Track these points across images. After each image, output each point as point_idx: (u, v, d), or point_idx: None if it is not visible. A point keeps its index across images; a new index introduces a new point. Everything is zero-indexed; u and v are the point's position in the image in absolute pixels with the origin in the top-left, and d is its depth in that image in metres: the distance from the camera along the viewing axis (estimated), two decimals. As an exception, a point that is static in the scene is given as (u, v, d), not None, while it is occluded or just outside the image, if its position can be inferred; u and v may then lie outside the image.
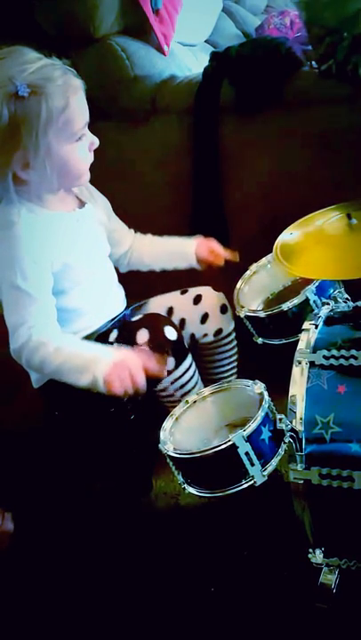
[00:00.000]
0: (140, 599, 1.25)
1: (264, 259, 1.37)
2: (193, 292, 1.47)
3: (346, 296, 1.23)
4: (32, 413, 1.53)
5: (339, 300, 1.21)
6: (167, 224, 1.56)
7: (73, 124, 1.17)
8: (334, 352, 1.04)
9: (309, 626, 1.11)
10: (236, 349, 1.50)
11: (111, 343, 1.29)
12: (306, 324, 1.11)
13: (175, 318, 1.44)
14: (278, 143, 1.69)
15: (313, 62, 1.67)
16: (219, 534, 1.33)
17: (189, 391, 1.33)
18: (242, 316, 1.27)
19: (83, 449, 1.48)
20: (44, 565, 1.37)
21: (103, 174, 1.32)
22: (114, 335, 1.32)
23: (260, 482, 0.99)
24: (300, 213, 1.24)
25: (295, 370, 1.06)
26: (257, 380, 1.06)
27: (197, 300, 1.45)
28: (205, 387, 1.24)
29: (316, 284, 1.20)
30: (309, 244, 1.13)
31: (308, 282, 1.21)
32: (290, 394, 1.05)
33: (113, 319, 1.41)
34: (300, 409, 1.03)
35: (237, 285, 1.35)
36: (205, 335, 1.45)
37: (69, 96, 1.14)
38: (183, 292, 1.48)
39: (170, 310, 1.46)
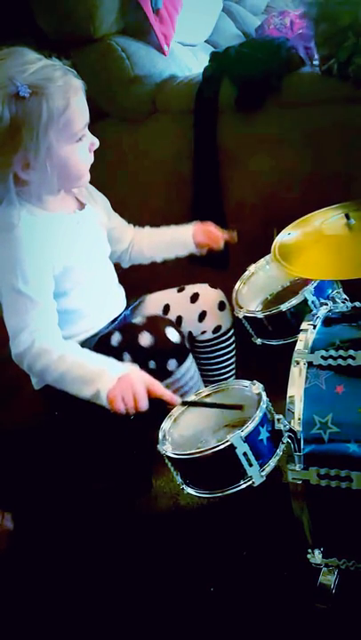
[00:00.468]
0: (139, 599, 1.25)
1: (263, 259, 1.37)
2: (190, 289, 1.47)
3: (344, 296, 1.23)
4: (32, 414, 1.53)
5: (337, 300, 1.21)
6: (167, 224, 1.56)
7: (73, 124, 1.16)
8: (332, 352, 1.04)
9: (309, 626, 1.11)
10: (234, 346, 1.50)
11: (114, 347, 1.28)
12: (304, 325, 1.11)
13: (171, 316, 1.45)
14: (278, 143, 1.69)
15: (315, 60, 1.67)
16: (218, 534, 1.33)
17: (189, 392, 1.33)
18: (240, 316, 1.27)
19: (82, 449, 1.48)
20: (44, 565, 1.37)
21: (103, 174, 1.32)
22: (116, 338, 1.31)
23: (258, 482, 0.99)
24: (300, 214, 1.24)
25: (293, 370, 1.06)
26: (255, 381, 1.06)
27: (195, 298, 1.45)
28: (205, 385, 1.24)
29: (315, 284, 1.20)
30: (308, 245, 1.13)
31: (306, 282, 1.21)
32: (288, 394, 1.05)
33: (114, 320, 1.41)
34: (299, 409, 1.03)
35: (236, 286, 1.35)
36: (204, 332, 1.45)
37: (70, 97, 1.14)
38: (180, 290, 1.48)
39: (166, 308, 1.47)
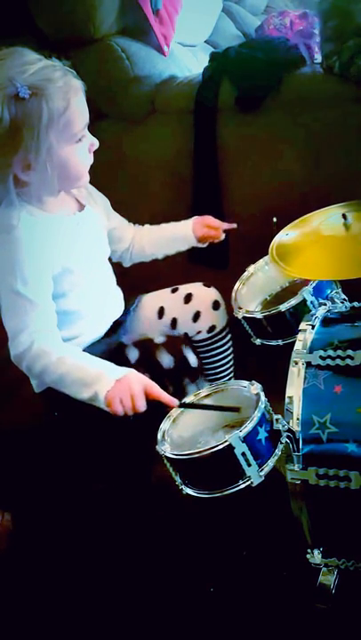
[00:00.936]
0: (139, 599, 1.25)
1: (262, 260, 1.37)
2: (183, 289, 1.47)
3: (343, 297, 1.23)
4: (31, 414, 1.53)
5: (336, 300, 1.21)
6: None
7: (73, 125, 1.16)
8: (331, 352, 1.04)
9: (309, 626, 1.11)
10: (230, 344, 1.49)
11: (132, 364, 1.28)
12: (303, 325, 1.12)
13: (166, 318, 1.45)
14: (278, 143, 1.69)
15: (315, 58, 1.67)
16: (218, 534, 1.33)
17: None
18: (239, 317, 1.27)
19: (82, 449, 1.48)
20: (44, 565, 1.37)
21: (103, 174, 1.32)
22: (134, 354, 1.32)
23: (256, 482, 0.99)
24: (300, 213, 1.24)
25: (292, 370, 1.06)
26: (254, 381, 1.06)
27: (188, 298, 1.44)
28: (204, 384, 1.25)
29: (314, 284, 1.20)
30: (305, 245, 1.13)
31: (305, 283, 1.21)
32: (287, 394, 1.05)
33: (116, 323, 1.42)
34: (297, 409, 1.03)
35: (235, 287, 1.35)
36: (199, 332, 1.45)
37: (70, 97, 1.14)
38: (174, 291, 1.48)
39: (161, 310, 1.46)
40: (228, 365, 1.50)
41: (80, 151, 1.21)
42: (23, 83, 1.10)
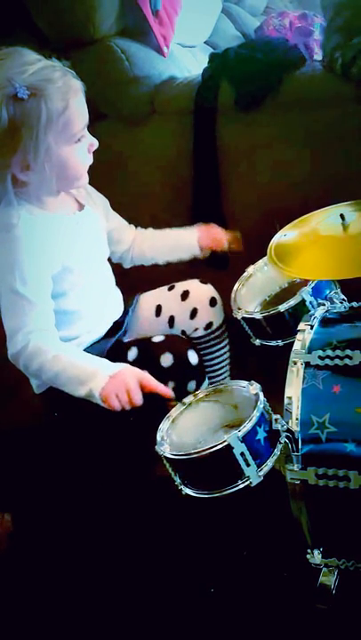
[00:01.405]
0: (139, 600, 1.25)
1: (261, 260, 1.37)
2: (180, 287, 1.47)
3: (342, 297, 1.23)
4: (31, 414, 1.53)
5: (335, 300, 1.21)
6: (166, 225, 1.56)
7: (72, 125, 1.16)
8: (329, 352, 1.04)
9: (309, 627, 1.11)
10: (227, 341, 1.50)
11: (131, 362, 1.28)
12: (301, 325, 1.12)
13: (164, 316, 1.45)
14: (277, 144, 1.69)
15: (315, 56, 1.67)
16: (218, 535, 1.33)
17: None
18: (239, 317, 1.27)
19: (82, 449, 1.48)
20: (44, 566, 1.37)
21: (103, 175, 1.32)
22: (133, 354, 1.32)
23: (255, 482, 0.99)
24: (300, 214, 1.23)
25: (291, 370, 1.06)
26: (253, 381, 1.06)
27: (185, 295, 1.45)
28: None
29: (313, 285, 1.20)
30: (303, 245, 1.13)
31: (305, 283, 1.21)
32: (286, 394, 1.05)
33: (117, 324, 1.42)
34: (296, 409, 1.03)
35: (235, 287, 1.35)
36: (196, 329, 1.45)
37: (69, 98, 1.14)
38: (170, 289, 1.48)
39: (158, 308, 1.47)
40: (224, 362, 1.51)
41: (79, 151, 1.21)
42: (22, 83, 1.10)
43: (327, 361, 1.04)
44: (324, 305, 1.18)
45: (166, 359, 1.28)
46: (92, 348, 1.33)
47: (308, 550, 1.12)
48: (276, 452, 1.02)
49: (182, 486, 1.05)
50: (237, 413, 1.09)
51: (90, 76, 1.25)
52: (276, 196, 1.72)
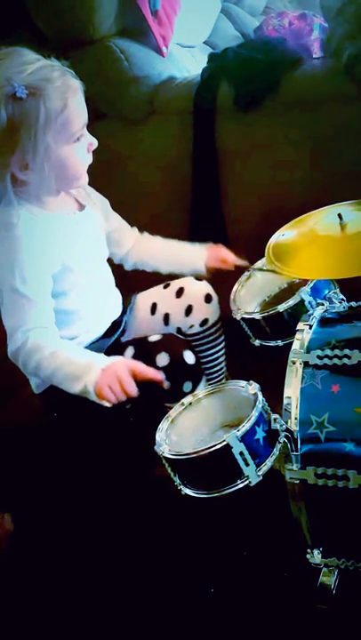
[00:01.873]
0: (139, 600, 1.26)
1: (260, 261, 1.37)
2: (175, 284, 1.47)
3: (341, 297, 1.23)
4: (30, 414, 1.53)
5: (334, 300, 1.21)
6: (166, 225, 1.56)
7: (71, 124, 1.16)
8: (328, 352, 1.04)
9: (309, 627, 1.11)
10: (223, 338, 1.50)
11: None
12: (300, 325, 1.12)
13: (159, 313, 1.46)
14: (277, 143, 1.69)
15: (314, 54, 1.67)
16: (218, 535, 1.33)
17: None
18: (238, 317, 1.27)
19: (81, 449, 1.48)
20: (44, 566, 1.38)
21: (102, 175, 1.32)
22: (130, 353, 1.32)
23: (254, 482, 0.99)
24: (299, 214, 1.24)
25: (289, 370, 1.06)
26: (251, 381, 1.06)
27: (180, 292, 1.45)
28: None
29: (311, 285, 1.20)
30: (301, 245, 1.13)
31: (304, 283, 1.21)
32: (284, 394, 1.05)
33: (115, 323, 1.42)
34: (295, 409, 1.04)
35: (234, 288, 1.36)
36: (192, 326, 1.45)
37: (68, 97, 1.14)
38: (166, 286, 1.48)
39: (153, 306, 1.47)
40: (221, 359, 1.51)
41: (78, 151, 1.21)
42: (21, 82, 1.10)
43: (326, 360, 1.04)
44: (323, 305, 1.18)
45: (162, 359, 1.28)
46: (90, 348, 1.33)
47: (308, 550, 1.12)
48: (275, 451, 1.01)
49: (182, 486, 1.05)
50: (236, 413, 1.09)
51: (89, 76, 1.25)
52: (276, 196, 1.72)
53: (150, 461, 1.40)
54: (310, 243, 1.11)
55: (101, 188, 1.42)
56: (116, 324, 1.43)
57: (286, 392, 1.05)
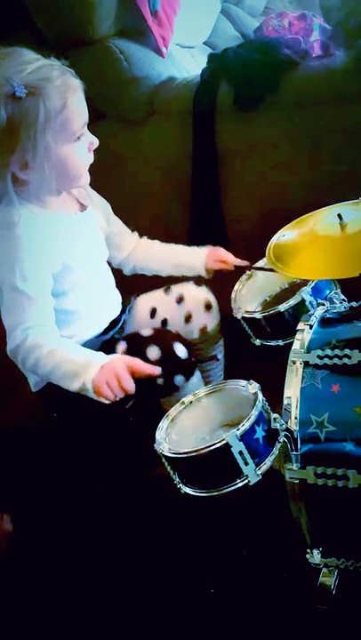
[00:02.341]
0: (139, 599, 1.25)
1: (261, 261, 1.37)
2: (176, 290, 1.47)
3: (342, 297, 1.24)
4: (30, 414, 1.53)
5: (335, 300, 1.22)
6: (166, 225, 1.57)
7: (71, 124, 1.16)
8: (328, 352, 1.04)
9: (309, 627, 1.11)
10: (221, 342, 1.50)
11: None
12: (300, 325, 1.12)
13: (158, 318, 1.46)
14: (277, 144, 1.69)
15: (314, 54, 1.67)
16: (218, 535, 1.33)
17: None
18: (239, 317, 1.27)
19: (81, 449, 1.48)
20: (44, 566, 1.37)
21: (102, 175, 1.32)
22: (122, 347, 1.32)
23: (254, 481, 0.99)
24: (299, 214, 1.24)
25: (290, 370, 1.06)
26: (251, 381, 1.06)
27: (180, 299, 1.45)
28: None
29: (313, 285, 1.20)
30: (302, 245, 1.13)
31: (305, 283, 1.21)
32: (285, 394, 1.05)
33: (113, 322, 1.42)
34: (295, 408, 1.03)
35: (235, 287, 1.36)
36: (190, 333, 1.45)
37: (67, 96, 1.14)
38: (166, 290, 1.48)
39: (153, 311, 1.47)
40: (218, 367, 1.51)
41: (79, 150, 1.21)
42: (20, 82, 1.10)
43: (326, 360, 1.04)
44: (323, 305, 1.18)
45: (153, 352, 1.27)
46: (86, 344, 1.33)
47: (308, 550, 1.12)
48: (275, 451, 1.01)
49: (181, 485, 1.05)
50: (236, 412, 1.09)
51: (89, 76, 1.25)
52: (276, 196, 1.72)
53: (150, 460, 1.40)
54: (310, 243, 1.11)
55: (101, 188, 1.42)
56: (114, 323, 1.42)
57: (286, 392, 1.05)
